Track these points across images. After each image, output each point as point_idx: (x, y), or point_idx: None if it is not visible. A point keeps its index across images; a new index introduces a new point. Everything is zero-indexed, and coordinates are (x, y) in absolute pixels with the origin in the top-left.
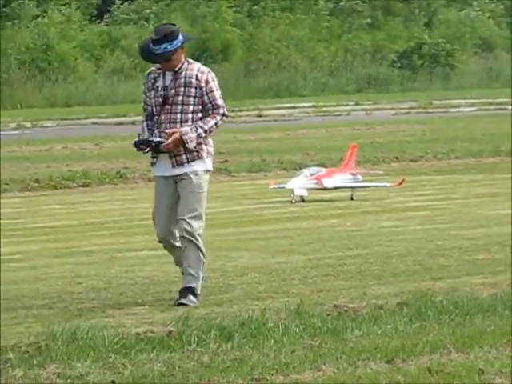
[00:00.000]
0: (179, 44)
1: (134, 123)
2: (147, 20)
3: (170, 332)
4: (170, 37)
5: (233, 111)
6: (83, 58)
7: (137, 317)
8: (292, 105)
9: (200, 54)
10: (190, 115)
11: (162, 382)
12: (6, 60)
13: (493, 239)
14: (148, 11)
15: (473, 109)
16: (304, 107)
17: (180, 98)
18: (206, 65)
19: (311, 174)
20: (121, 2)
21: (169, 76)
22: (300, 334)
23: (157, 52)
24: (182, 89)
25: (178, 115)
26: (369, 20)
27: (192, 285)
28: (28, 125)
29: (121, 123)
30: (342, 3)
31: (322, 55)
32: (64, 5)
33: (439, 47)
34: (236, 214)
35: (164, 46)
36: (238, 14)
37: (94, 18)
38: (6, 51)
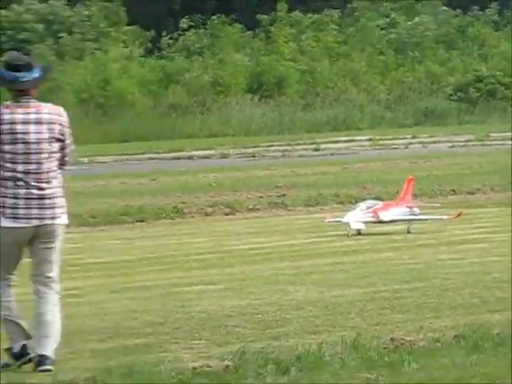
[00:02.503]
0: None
1: (190, 158)
2: (200, 54)
3: (227, 366)
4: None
5: (289, 145)
6: (140, 93)
7: (193, 351)
8: (349, 138)
9: (256, 88)
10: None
11: None
12: (65, 96)
13: None
14: (197, 45)
15: None
16: (361, 140)
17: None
18: (261, 99)
19: (367, 208)
20: (176, 35)
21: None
22: (357, 368)
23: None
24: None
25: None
26: (422, 54)
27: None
28: (85, 160)
29: (178, 158)
30: (402, 37)
31: (379, 88)
32: (123, 41)
33: (496, 80)
34: (292, 248)
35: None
36: (294, 47)
37: (148, 54)
38: (63, 87)
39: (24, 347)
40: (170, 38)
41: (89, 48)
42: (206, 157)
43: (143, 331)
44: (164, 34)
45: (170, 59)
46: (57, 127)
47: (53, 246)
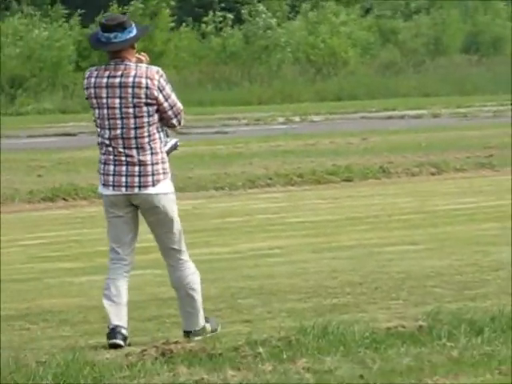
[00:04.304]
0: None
1: (403, 117)
2: (416, 12)
3: (421, 326)
4: (120, 26)
5: (502, 105)
6: (354, 52)
7: (390, 311)
8: None
9: (472, 47)
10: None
11: (410, 376)
12: (280, 54)
13: None
14: (414, 5)
15: None
16: None
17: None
18: (478, 58)
19: None
20: None
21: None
22: None
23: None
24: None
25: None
26: None
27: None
28: (297, 119)
29: (390, 117)
30: None
31: None
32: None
33: None
34: (497, 209)
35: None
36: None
37: (365, 13)
38: (280, 45)
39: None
40: None
41: (303, 8)
42: (417, 116)
43: (342, 291)
44: None
45: (386, 18)
46: (143, 91)
47: (154, 218)
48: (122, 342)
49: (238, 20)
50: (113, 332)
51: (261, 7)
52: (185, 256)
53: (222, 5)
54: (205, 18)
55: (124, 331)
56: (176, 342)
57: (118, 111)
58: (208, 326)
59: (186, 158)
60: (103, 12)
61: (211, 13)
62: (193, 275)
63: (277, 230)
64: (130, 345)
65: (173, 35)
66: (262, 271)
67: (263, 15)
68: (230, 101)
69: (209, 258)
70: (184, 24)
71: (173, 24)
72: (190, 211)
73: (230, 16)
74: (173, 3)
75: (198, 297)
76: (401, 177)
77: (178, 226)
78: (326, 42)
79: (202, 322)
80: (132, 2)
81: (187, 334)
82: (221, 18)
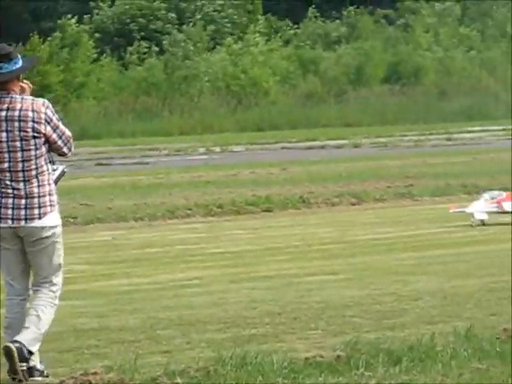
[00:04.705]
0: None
1: (323, 147)
2: (337, 42)
3: (339, 356)
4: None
5: (423, 135)
6: (275, 82)
7: (308, 341)
8: (483, 128)
9: (393, 77)
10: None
11: None
12: (199, 84)
13: None
14: (335, 34)
15: None
16: (495, 130)
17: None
18: (399, 88)
19: (492, 198)
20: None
21: None
22: (468, 358)
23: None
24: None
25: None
26: None
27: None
28: (217, 149)
29: (311, 147)
30: None
31: None
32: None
33: None
34: (416, 239)
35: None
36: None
37: (284, 44)
38: (199, 76)
39: None
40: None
41: (224, 37)
42: (338, 146)
43: (260, 321)
44: (298, 23)
45: (306, 48)
46: (30, 124)
47: (36, 248)
48: (12, 346)
49: (160, 50)
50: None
51: (180, 36)
52: (57, 291)
53: (143, 33)
54: (129, 48)
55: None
56: (94, 373)
57: (4, 145)
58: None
59: (107, 188)
60: (22, 43)
61: (136, 43)
62: (52, 308)
63: (196, 261)
64: (47, 376)
65: (94, 66)
66: (181, 302)
67: (182, 44)
68: (150, 131)
69: (128, 289)
70: (105, 55)
71: (95, 55)
72: (110, 242)
73: (155, 47)
74: (97, 35)
75: (43, 329)
76: (321, 207)
77: (59, 259)
78: (247, 73)
79: (37, 358)
80: (54, 34)
81: (15, 342)
82: (145, 49)
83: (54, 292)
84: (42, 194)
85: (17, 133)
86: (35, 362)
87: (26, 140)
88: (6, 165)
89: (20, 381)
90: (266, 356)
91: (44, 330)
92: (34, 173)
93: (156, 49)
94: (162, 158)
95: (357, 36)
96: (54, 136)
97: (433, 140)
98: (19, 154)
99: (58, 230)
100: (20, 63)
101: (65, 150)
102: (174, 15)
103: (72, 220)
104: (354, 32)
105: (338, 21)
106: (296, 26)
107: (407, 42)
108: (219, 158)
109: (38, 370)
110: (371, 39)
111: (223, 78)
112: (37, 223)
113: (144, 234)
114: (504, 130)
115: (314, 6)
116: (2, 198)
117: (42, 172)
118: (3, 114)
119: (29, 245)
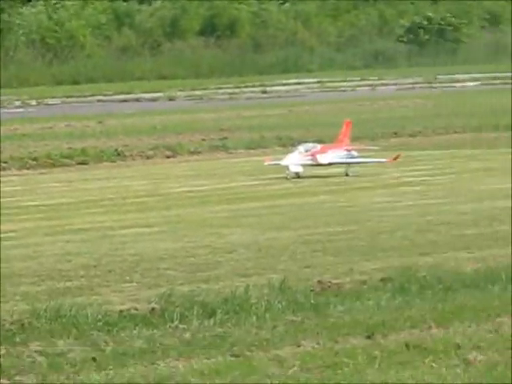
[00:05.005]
0: None
1: (138, 100)
2: None
3: (153, 309)
4: None
5: (238, 87)
6: (91, 35)
7: (123, 294)
8: (298, 81)
9: (208, 30)
10: None
11: (142, 359)
12: (14, 38)
13: (483, 214)
14: None
15: (477, 83)
16: (309, 83)
17: None
18: (214, 41)
19: (306, 151)
20: None
21: None
22: (282, 310)
23: None
24: None
25: None
26: None
27: None
28: (33, 103)
29: (125, 100)
30: None
31: (329, 31)
32: None
33: (446, 22)
34: (230, 191)
35: None
36: None
37: None
38: (13, 30)
39: None
40: None
41: None
42: (153, 99)
43: (76, 274)
44: None
45: (120, 2)
46: None
47: None
48: None
49: None
50: None
51: None
52: None
53: None
54: None
55: None
56: None
57: None
58: None
59: None
60: None
61: None
62: None
63: (12, 214)
64: None
65: None
66: None
67: None
68: None
69: None
70: None
71: None
72: None
73: None
74: None
75: None
76: (136, 159)
77: None
78: (63, 26)
79: None
80: None
81: None
82: None
83: None
84: None
85: None
86: None
87: None
88: None
89: None
90: (80, 309)
91: None
92: None
93: None
94: None
95: None
96: None
97: (248, 93)
98: None
99: None
100: None
101: None
102: None
103: None
104: None
105: None
106: None
107: None
108: (35, 111)
109: None
110: None
111: (38, 30)
112: None
113: None
114: (319, 82)
115: None
116: None
117: None
118: None
119: None
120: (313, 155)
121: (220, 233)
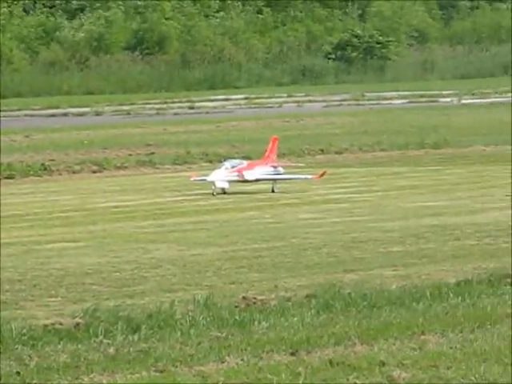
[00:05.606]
0: None
1: (65, 115)
2: (82, 11)
3: (78, 324)
4: None
5: (165, 103)
6: (18, 50)
7: (48, 308)
8: (225, 97)
9: (136, 45)
10: None
11: (66, 374)
12: None
13: (409, 231)
14: (76, 2)
15: (404, 101)
16: (237, 99)
17: None
18: (142, 56)
19: (232, 167)
20: None
21: None
22: (207, 326)
23: None
24: None
25: None
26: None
27: None
28: None
29: (53, 115)
30: None
31: (257, 47)
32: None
33: (373, 39)
34: (156, 207)
35: None
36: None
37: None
38: None
39: None
40: None
41: None
42: (80, 114)
43: (0, 288)
44: None
45: (50, 16)
46: None
47: None
48: None
49: None
50: None
51: None
52: None
53: None
54: None
55: None
56: None
57: None
58: None
59: None
60: None
61: None
62: None
63: None
64: None
65: None
66: None
67: None
68: None
69: None
70: None
71: None
72: None
73: None
74: None
75: None
76: (62, 174)
77: None
78: None
79: None
80: None
81: None
82: None
83: None
84: None
85: None
86: None
87: None
88: None
89: None
90: (5, 323)
91: None
92: None
93: None
94: None
95: (98, 6)
96: None
97: (175, 108)
98: None
99: None
100: None
101: None
102: None
103: None
104: (94, 2)
105: None
106: None
107: (154, 10)
108: None
109: None
110: (114, 8)
111: None
112: None
113: None
114: (246, 98)
115: None
116: None
117: None
118: None
119: None
120: (239, 171)
121: (146, 248)
